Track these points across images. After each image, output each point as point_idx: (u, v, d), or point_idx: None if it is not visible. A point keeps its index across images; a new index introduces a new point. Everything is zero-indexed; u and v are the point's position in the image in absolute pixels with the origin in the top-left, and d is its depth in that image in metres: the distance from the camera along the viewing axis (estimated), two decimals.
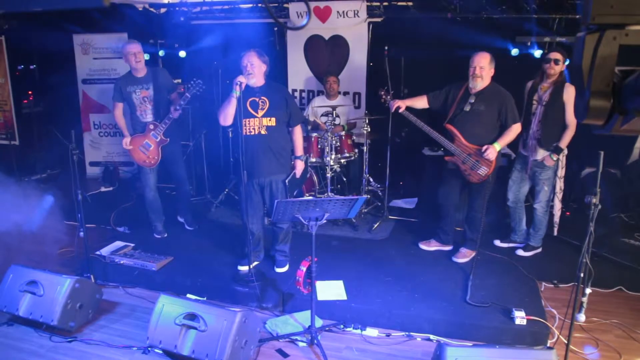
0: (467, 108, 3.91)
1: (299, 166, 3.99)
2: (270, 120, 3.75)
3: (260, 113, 3.74)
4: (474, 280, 3.80)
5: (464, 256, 4.22)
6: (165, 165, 4.63)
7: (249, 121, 3.72)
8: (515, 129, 3.88)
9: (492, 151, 3.82)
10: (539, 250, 4.36)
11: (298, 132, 3.96)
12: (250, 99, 3.72)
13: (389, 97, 4.30)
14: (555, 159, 3.98)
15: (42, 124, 7.35)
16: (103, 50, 6.84)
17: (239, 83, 3.49)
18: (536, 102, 4.02)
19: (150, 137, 4.42)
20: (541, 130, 3.97)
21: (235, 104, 3.60)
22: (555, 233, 4.38)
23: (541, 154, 4.03)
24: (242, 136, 3.63)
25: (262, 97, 3.74)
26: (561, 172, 4.09)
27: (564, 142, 3.94)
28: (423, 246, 4.48)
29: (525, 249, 4.36)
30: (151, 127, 4.42)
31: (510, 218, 4.47)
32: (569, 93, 3.86)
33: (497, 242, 4.53)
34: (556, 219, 4.30)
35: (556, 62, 3.86)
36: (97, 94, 6.99)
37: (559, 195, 4.16)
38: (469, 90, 3.95)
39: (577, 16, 4.92)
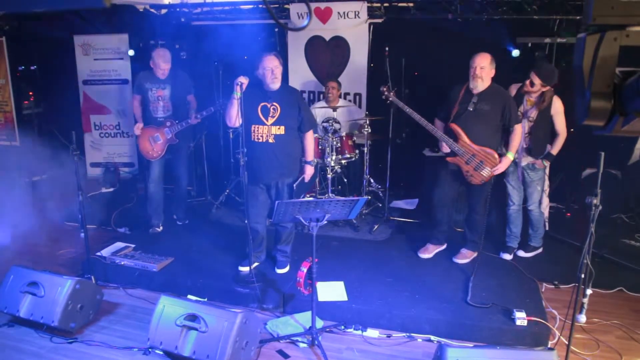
0: (471, 108, 3.89)
1: (308, 171, 3.96)
2: (279, 128, 3.67)
3: (270, 121, 3.67)
4: (475, 281, 3.80)
5: (465, 257, 4.21)
6: (169, 162, 4.86)
7: (257, 127, 3.67)
8: (519, 130, 3.88)
9: (506, 162, 3.86)
10: (540, 250, 4.36)
11: (309, 138, 3.91)
12: (262, 104, 3.65)
13: (391, 93, 4.28)
14: (546, 164, 4.05)
15: (42, 125, 7.34)
16: (104, 51, 6.83)
17: (239, 83, 3.43)
18: (521, 113, 3.99)
19: (163, 132, 4.68)
20: (531, 142, 4.02)
21: (237, 105, 3.53)
22: (547, 227, 4.39)
23: (528, 159, 4.08)
24: (243, 133, 3.52)
25: (274, 103, 3.67)
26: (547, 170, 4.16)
27: (556, 149, 4.02)
28: (422, 255, 4.32)
29: (526, 249, 4.35)
30: (167, 124, 4.67)
31: (511, 222, 4.42)
32: (556, 108, 3.92)
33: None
34: (546, 214, 4.33)
35: (532, 84, 3.85)
36: (97, 95, 6.98)
37: (546, 191, 4.20)
38: (470, 91, 3.93)
39: (578, 17, 4.92)
